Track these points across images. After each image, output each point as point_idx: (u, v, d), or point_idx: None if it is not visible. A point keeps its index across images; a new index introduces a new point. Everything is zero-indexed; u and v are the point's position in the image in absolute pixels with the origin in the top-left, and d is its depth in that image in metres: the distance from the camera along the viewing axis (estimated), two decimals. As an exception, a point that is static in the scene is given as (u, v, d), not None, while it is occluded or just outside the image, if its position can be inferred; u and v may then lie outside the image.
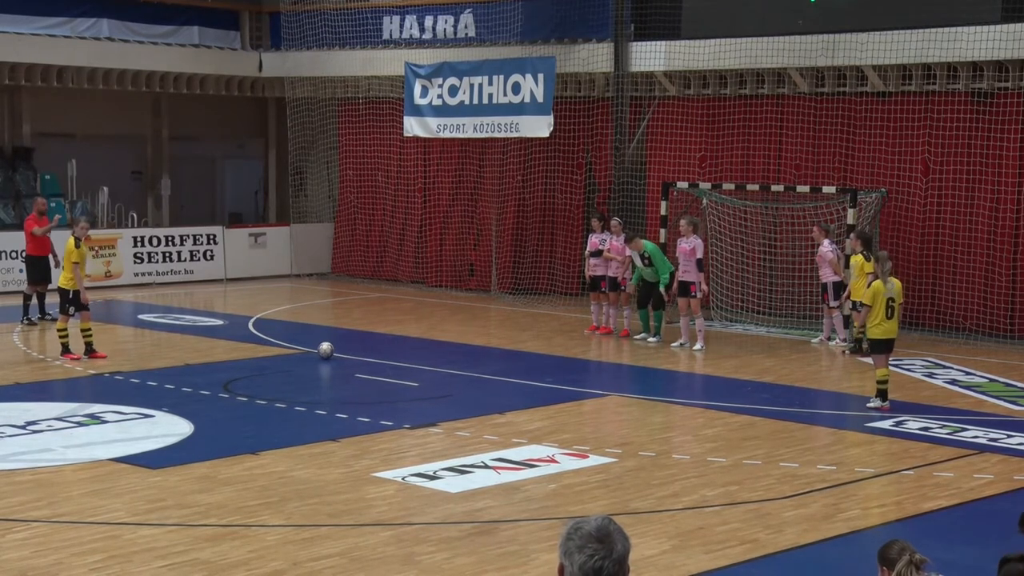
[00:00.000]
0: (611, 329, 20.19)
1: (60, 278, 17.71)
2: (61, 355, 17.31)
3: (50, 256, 20.86)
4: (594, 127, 24.21)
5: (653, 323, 19.65)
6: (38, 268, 20.84)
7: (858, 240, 18.29)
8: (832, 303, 19.09)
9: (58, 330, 17.56)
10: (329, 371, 17.16)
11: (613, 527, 3.74)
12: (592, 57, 23.59)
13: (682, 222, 19.13)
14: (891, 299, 14.41)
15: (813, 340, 19.72)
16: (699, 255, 18.79)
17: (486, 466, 11.87)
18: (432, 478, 11.42)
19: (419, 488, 11.14)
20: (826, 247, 19.14)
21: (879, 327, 14.44)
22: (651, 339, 19.49)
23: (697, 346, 18.81)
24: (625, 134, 23.54)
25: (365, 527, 9.96)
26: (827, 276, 19.16)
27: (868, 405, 14.72)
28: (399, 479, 11.39)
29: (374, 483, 11.26)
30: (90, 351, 17.31)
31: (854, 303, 18.33)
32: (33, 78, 26.25)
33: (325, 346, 17.63)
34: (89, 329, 17.40)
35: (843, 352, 18.72)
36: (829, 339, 19.47)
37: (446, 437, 13.12)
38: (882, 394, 14.60)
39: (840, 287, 18.87)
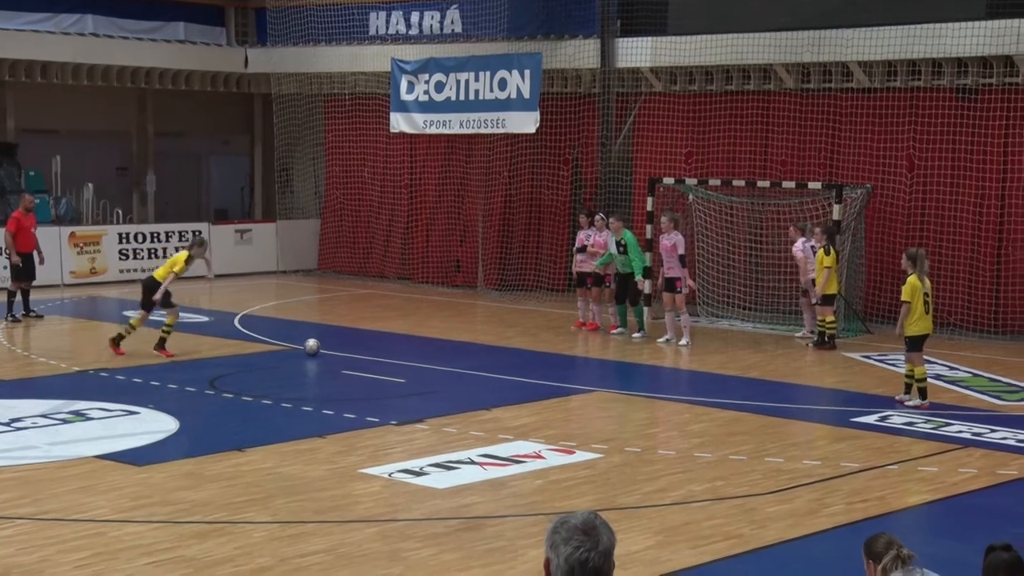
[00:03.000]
0: (597, 325, 20.19)
1: (156, 274, 17.47)
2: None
3: (35, 253, 20.83)
4: (580, 123, 24.20)
5: (635, 318, 19.67)
6: (24, 265, 20.77)
7: (823, 235, 18.40)
8: (813, 299, 19.13)
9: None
10: (315, 367, 17.14)
11: (599, 521, 3.77)
12: (578, 53, 23.59)
13: (663, 218, 19.09)
14: (926, 294, 14.49)
15: (797, 335, 19.78)
16: (680, 251, 18.77)
17: (472, 462, 11.87)
18: (418, 474, 11.41)
19: (405, 484, 11.14)
20: (797, 246, 19.21)
21: (918, 323, 14.45)
22: (636, 335, 19.50)
23: (683, 342, 18.82)
24: (611, 130, 23.54)
25: (351, 523, 9.95)
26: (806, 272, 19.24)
27: (908, 404, 14.54)
28: (385, 475, 11.38)
29: (360, 479, 11.25)
30: (161, 347, 17.32)
31: (817, 297, 18.49)
32: (17, 74, 26.16)
33: (311, 342, 17.61)
34: (171, 327, 17.40)
35: (807, 344, 18.83)
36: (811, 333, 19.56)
37: (432, 433, 13.11)
38: (922, 392, 14.56)
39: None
